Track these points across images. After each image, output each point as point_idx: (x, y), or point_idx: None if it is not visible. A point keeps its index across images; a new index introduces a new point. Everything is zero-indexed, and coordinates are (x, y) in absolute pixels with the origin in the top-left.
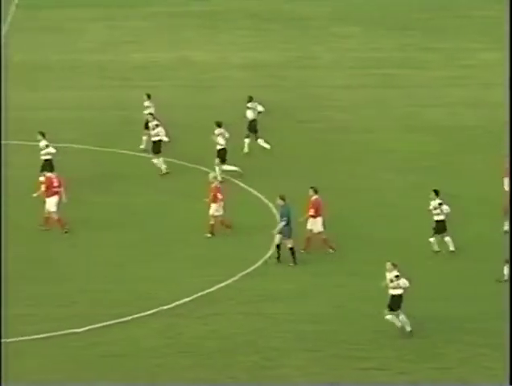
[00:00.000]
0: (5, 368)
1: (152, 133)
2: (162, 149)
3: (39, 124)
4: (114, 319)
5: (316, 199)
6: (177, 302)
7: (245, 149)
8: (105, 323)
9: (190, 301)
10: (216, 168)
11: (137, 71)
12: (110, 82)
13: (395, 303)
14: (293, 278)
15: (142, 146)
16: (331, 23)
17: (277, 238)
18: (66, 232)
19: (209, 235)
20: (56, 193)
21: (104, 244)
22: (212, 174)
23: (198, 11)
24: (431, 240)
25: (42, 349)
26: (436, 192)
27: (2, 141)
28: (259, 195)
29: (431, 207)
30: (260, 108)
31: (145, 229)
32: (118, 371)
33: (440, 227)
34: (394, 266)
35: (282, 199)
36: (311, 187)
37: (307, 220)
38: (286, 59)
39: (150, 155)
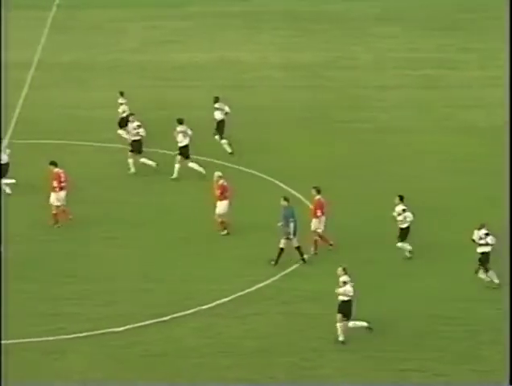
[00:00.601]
0: (46, 367)
1: (133, 132)
2: (143, 149)
3: (83, 123)
4: (154, 319)
5: (319, 199)
6: (217, 302)
7: (228, 150)
8: (144, 323)
9: (229, 300)
10: (176, 166)
11: (177, 71)
12: (150, 82)
13: (343, 310)
14: (333, 279)
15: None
16: (371, 24)
17: (282, 242)
18: (58, 227)
19: (225, 232)
20: (63, 188)
21: (144, 243)
22: (217, 173)
23: (239, 11)
24: (399, 245)
25: (82, 348)
26: (401, 198)
27: (43, 141)
28: (299, 195)
29: (394, 213)
30: (227, 108)
31: (185, 229)
32: (158, 370)
33: (403, 234)
34: (344, 271)
35: (286, 200)
36: (314, 187)
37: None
38: (326, 59)
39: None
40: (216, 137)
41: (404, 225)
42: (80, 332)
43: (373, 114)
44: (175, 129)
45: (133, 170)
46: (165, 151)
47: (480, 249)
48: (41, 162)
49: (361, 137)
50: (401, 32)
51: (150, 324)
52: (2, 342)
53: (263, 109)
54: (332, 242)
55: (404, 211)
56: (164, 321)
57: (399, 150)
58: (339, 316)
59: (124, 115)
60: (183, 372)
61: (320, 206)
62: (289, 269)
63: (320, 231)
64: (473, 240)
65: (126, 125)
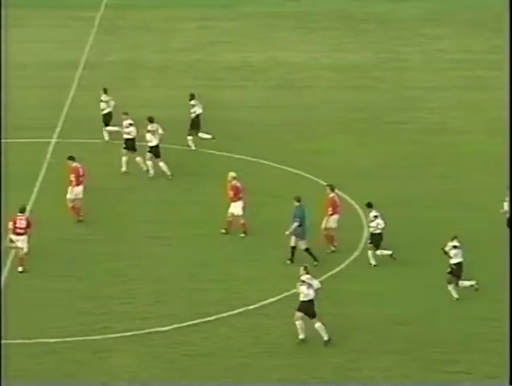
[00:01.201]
0: (93, 365)
1: (126, 130)
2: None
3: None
4: (200, 318)
5: (333, 197)
6: (263, 302)
7: (192, 147)
8: (191, 322)
9: (276, 301)
10: (149, 162)
11: (228, 72)
12: (201, 82)
13: (304, 309)
14: (379, 280)
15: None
16: (422, 24)
17: (292, 239)
18: (79, 220)
19: (243, 234)
20: (80, 183)
21: (192, 243)
22: (231, 173)
23: (290, 12)
24: (378, 252)
25: (129, 347)
26: (370, 204)
27: (90, 140)
28: (345, 195)
29: (368, 220)
30: (199, 108)
31: (232, 229)
32: (203, 370)
33: (376, 240)
34: (305, 270)
35: (298, 200)
36: (328, 185)
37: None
38: (378, 60)
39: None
40: (200, 134)
41: (376, 232)
42: (127, 331)
43: (423, 115)
44: (145, 128)
45: (124, 168)
46: (213, 151)
47: (452, 261)
48: (88, 161)
49: (410, 137)
50: (451, 33)
51: (197, 324)
52: (52, 340)
53: (313, 109)
54: (336, 244)
55: (376, 217)
56: (210, 321)
57: (448, 151)
58: (297, 314)
59: (105, 112)
60: (229, 372)
61: (332, 204)
62: (336, 270)
63: (332, 228)
64: (445, 252)
65: (110, 120)
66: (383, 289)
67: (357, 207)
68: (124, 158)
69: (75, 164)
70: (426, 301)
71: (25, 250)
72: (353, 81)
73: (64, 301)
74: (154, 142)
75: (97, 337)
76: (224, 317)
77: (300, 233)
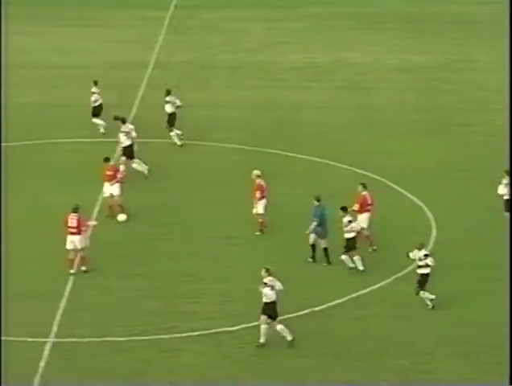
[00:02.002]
0: (160, 365)
1: (122, 137)
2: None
3: (201, 122)
4: None
5: (364, 195)
6: (329, 304)
7: (178, 143)
8: (258, 323)
9: (342, 302)
10: (122, 161)
11: (293, 72)
12: (267, 82)
13: (268, 311)
14: (447, 282)
15: (102, 131)
16: (489, 25)
17: (311, 238)
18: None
19: (259, 233)
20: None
21: (260, 243)
22: (255, 172)
23: (356, 13)
24: (343, 257)
25: (196, 346)
26: (344, 208)
27: (159, 140)
28: (412, 196)
29: (343, 224)
30: (178, 102)
31: (299, 230)
32: (270, 370)
33: (351, 245)
34: (267, 272)
35: (317, 199)
36: (361, 183)
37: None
38: (444, 61)
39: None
40: (172, 133)
41: (350, 235)
42: (194, 331)
43: (489, 117)
44: (119, 130)
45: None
46: (279, 151)
47: (420, 271)
48: (155, 161)
49: (476, 139)
50: None
51: None
52: (120, 338)
53: (378, 110)
54: (373, 245)
55: (350, 222)
56: (277, 321)
57: None
58: (263, 318)
59: (96, 104)
60: (295, 373)
61: (362, 202)
62: (402, 272)
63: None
64: (410, 258)
65: (101, 112)
66: (450, 292)
67: (426, 209)
68: (121, 167)
69: (112, 163)
70: (493, 304)
71: (79, 247)
72: (418, 82)
73: (130, 300)
74: (126, 143)
75: (165, 336)
76: (290, 318)
77: (320, 232)
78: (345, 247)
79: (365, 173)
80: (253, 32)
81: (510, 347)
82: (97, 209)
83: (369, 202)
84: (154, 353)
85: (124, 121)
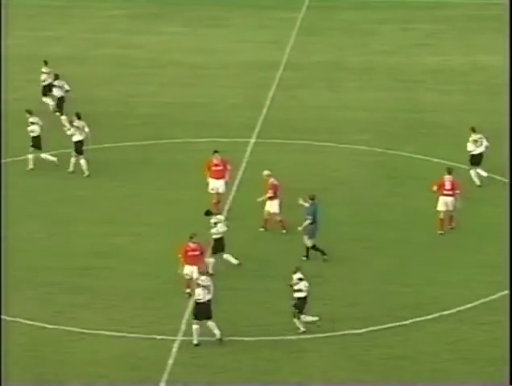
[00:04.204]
0: (287, 365)
1: (74, 131)
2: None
3: (332, 124)
4: (395, 322)
5: (444, 179)
6: (459, 308)
7: (67, 129)
8: (386, 325)
9: (472, 307)
10: (72, 159)
11: (429, 75)
12: (402, 84)
13: (200, 311)
14: None
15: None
16: None
17: (309, 241)
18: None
19: (262, 229)
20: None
21: (392, 246)
22: (266, 172)
23: (493, 15)
24: (225, 256)
25: (323, 348)
26: (208, 212)
27: (289, 141)
28: None
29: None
30: (67, 86)
31: (429, 232)
32: (397, 374)
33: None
34: (201, 273)
35: (311, 198)
36: (447, 168)
37: None
38: None
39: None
40: (58, 114)
41: (217, 236)
42: (322, 332)
43: None
44: (28, 121)
45: (71, 168)
46: (410, 154)
47: (296, 295)
48: (285, 161)
49: None
50: None
51: (391, 327)
52: (248, 338)
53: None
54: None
55: (215, 224)
56: (406, 325)
57: None
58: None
59: (45, 83)
60: (422, 377)
61: (441, 184)
62: None
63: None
64: (290, 285)
65: (50, 92)
66: None
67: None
68: (72, 160)
69: (218, 156)
70: None
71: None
72: None
73: (259, 301)
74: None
75: (293, 337)
76: (419, 321)
77: (310, 231)
78: (213, 247)
79: (500, 178)
80: (385, 34)
81: (510, 347)
82: (226, 207)
83: (448, 187)
84: (281, 353)
85: (79, 117)
